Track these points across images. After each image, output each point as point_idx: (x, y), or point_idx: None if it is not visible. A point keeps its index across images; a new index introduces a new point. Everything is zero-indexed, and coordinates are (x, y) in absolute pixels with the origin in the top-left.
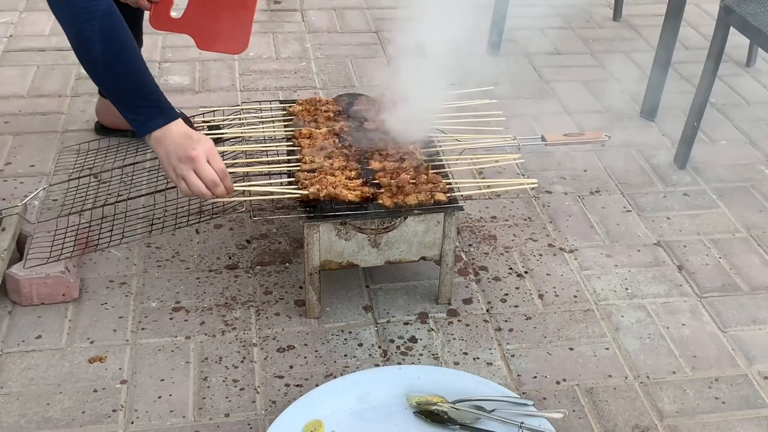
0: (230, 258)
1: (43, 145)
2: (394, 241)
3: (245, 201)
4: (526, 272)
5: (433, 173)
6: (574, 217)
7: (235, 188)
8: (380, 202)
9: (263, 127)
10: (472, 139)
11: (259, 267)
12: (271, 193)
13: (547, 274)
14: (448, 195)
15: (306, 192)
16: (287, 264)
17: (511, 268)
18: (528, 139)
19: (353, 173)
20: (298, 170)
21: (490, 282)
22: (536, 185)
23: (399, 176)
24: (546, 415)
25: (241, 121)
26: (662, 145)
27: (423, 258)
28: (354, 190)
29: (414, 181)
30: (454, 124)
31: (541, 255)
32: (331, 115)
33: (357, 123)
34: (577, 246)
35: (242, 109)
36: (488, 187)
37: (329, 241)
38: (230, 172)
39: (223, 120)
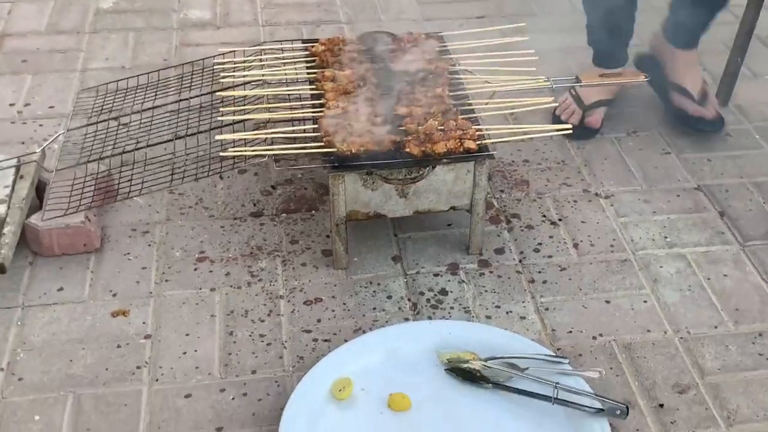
0: (255, 205)
1: (62, 85)
2: (422, 190)
3: (268, 153)
4: (560, 220)
5: (462, 119)
6: (610, 159)
7: (258, 136)
8: (407, 150)
9: (285, 69)
10: (503, 81)
11: (284, 215)
12: (295, 146)
13: (582, 222)
14: (478, 142)
15: (332, 149)
16: (313, 211)
17: (544, 216)
18: (562, 80)
19: (379, 119)
20: (321, 116)
21: (522, 230)
22: (570, 131)
23: (426, 123)
24: (582, 374)
25: (262, 63)
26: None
27: (453, 208)
28: (380, 140)
29: (442, 127)
30: (483, 64)
31: (575, 201)
32: (355, 55)
33: (382, 64)
34: (613, 191)
35: (263, 50)
36: (518, 133)
37: (355, 191)
38: (252, 119)
39: (244, 61)
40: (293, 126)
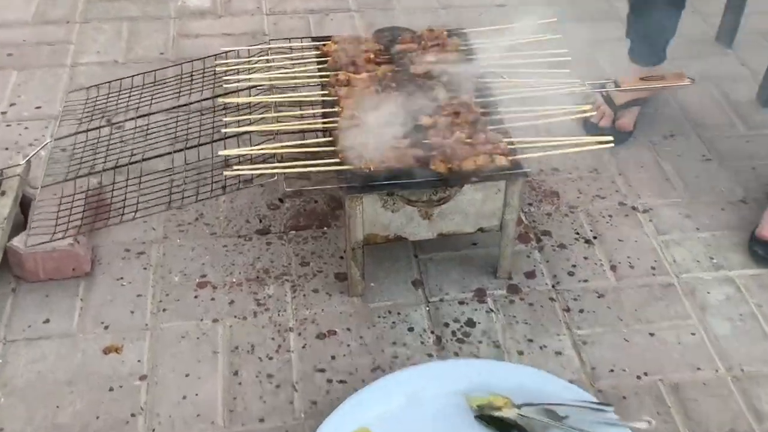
0: (261, 221)
1: (51, 82)
2: (447, 212)
3: (277, 172)
4: (595, 237)
5: (492, 130)
6: (646, 167)
7: (266, 149)
8: (432, 167)
9: (294, 71)
10: (534, 85)
11: (293, 232)
12: (307, 163)
13: (620, 240)
14: (510, 158)
15: (348, 167)
16: (325, 228)
17: (577, 233)
18: (598, 84)
19: (400, 131)
20: (336, 127)
21: (554, 250)
22: (612, 144)
23: (453, 135)
24: (630, 425)
25: (269, 63)
26: (742, 77)
27: (480, 230)
28: (402, 155)
29: (470, 140)
30: (510, 65)
31: (611, 216)
32: (372, 56)
33: (401, 66)
34: (651, 204)
35: (270, 49)
36: (553, 146)
37: (374, 213)
38: (259, 131)
39: (248, 61)
40: (304, 138)
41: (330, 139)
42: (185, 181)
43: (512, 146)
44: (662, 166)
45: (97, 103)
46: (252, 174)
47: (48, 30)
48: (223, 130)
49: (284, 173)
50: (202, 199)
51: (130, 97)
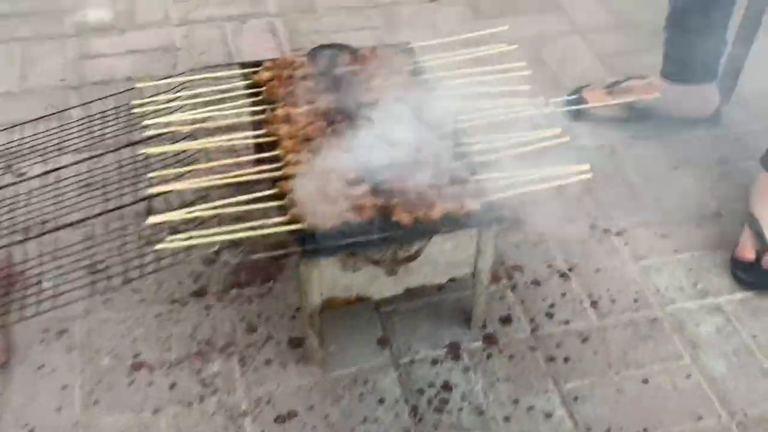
0: (196, 280)
1: None
2: (415, 265)
3: (218, 240)
4: (570, 269)
5: (456, 165)
6: (612, 179)
7: (201, 211)
8: (395, 218)
9: (222, 107)
10: (491, 108)
11: (234, 290)
12: (251, 226)
13: (597, 271)
14: (482, 200)
15: (302, 226)
16: (270, 283)
17: (550, 266)
18: (562, 103)
19: (353, 174)
20: (280, 176)
21: (528, 288)
22: (590, 175)
23: (415, 176)
24: None
25: (195, 98)
26: None
27: (451, 279)
28: (360, 206)
29: (434, 181)
30: (465, 84)
31: (583, 242)
32: (311, 84)
33: (346, 93)
34: (624, 225)
35: (187, 81)
36: (529, 182)
37: (333, 276)
38: (191, 188)
39: (168, 100)
40: (242, 191)
41: (273, 191)
42: (109, 252)
43: (481, 185)
44: (631, 180)
45: None
46: (190, 247)
47: None
48: (149, 191)
49: (228, 240)
50: (132, 280)
51: (34, 145)
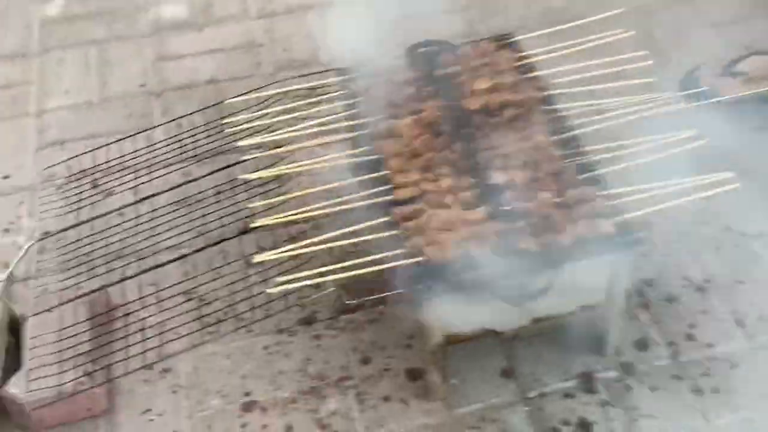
0: (303, 307)
1: (15, 139)
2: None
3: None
4: (707, 281)
5: (582, 180)
6: (745, 173)
7: (312, 247)
8: (521, 246)
9: (319, 122)
10: (614, 107)
11: (344, 317)
12: (367, 261)
13: (738, 282)
14: (615, 219)
15: (421, 259)
16: (381, 306)
17: (685, 278)
18: (693, 96)
19: (468, 195)
20: (392, 201)
21: (662, 305)
22: (737, 184)
23: (538, 197)
24: None
25: (285, 115)
26: None
27: (582, 307)
28: (481, 233)
29: (560, 199)
30: (580, 81)
31: (717, 248)
32: (413, 90)
33: (450, 97)
34: (764, 228)
35: (279, 94)
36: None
37: (455, 311)
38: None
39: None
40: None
41: (388, 218)
42: (216, 293)
43: (613, 202)
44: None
45: (81, 183)
46: (305, 288)
47: (1, 67)
48: (252, 224)
49: (344, 278)
50: (243, 326)
51: (122, 167)
